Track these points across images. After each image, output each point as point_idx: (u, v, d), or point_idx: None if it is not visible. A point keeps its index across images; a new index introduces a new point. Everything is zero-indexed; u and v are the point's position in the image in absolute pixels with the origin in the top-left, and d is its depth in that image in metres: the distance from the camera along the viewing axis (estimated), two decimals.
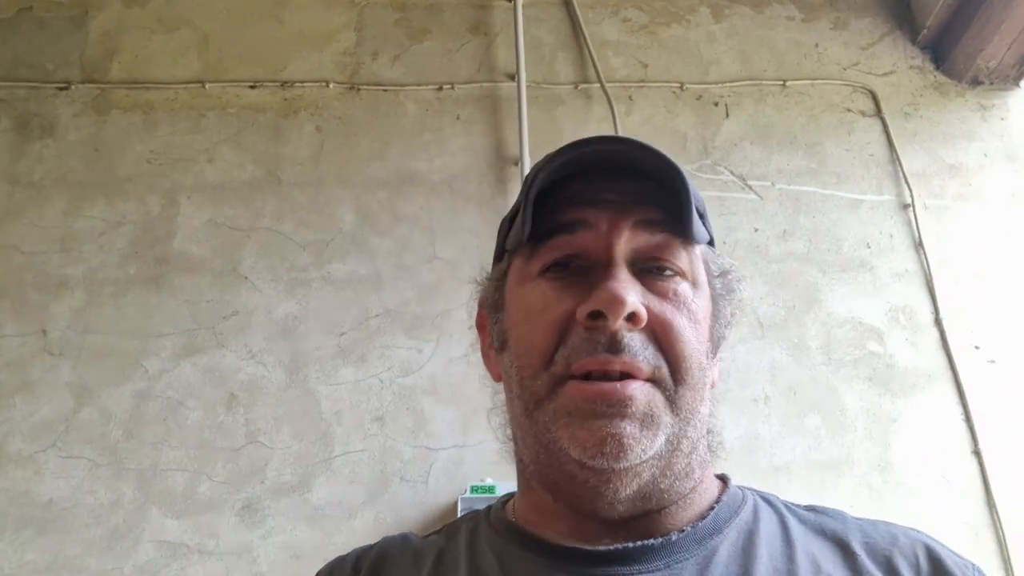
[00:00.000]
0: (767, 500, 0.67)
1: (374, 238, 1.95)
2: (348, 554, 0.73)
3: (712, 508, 0.63)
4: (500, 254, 0.72)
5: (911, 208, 2.05)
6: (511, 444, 0.70)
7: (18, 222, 1.95)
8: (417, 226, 1.96)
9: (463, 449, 1.74)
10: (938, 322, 1.93)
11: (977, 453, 1.78)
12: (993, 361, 1.89)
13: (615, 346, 0.57)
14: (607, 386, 0.57)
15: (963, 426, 1.82)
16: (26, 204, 1.97)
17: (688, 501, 0.62)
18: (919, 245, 2.01)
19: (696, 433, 0.61)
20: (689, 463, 0.62)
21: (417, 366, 1.82)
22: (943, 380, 1.87)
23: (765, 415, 1.82)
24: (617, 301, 0.57)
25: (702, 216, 0.64)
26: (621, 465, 0.57)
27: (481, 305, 0.73)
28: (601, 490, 0.59)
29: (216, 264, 1.91)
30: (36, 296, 1.87)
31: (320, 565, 1.74)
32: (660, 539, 0.60)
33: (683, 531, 0.60)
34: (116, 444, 1.73)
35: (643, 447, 0.57)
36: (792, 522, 0.64)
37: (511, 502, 0.69)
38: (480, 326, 0.74)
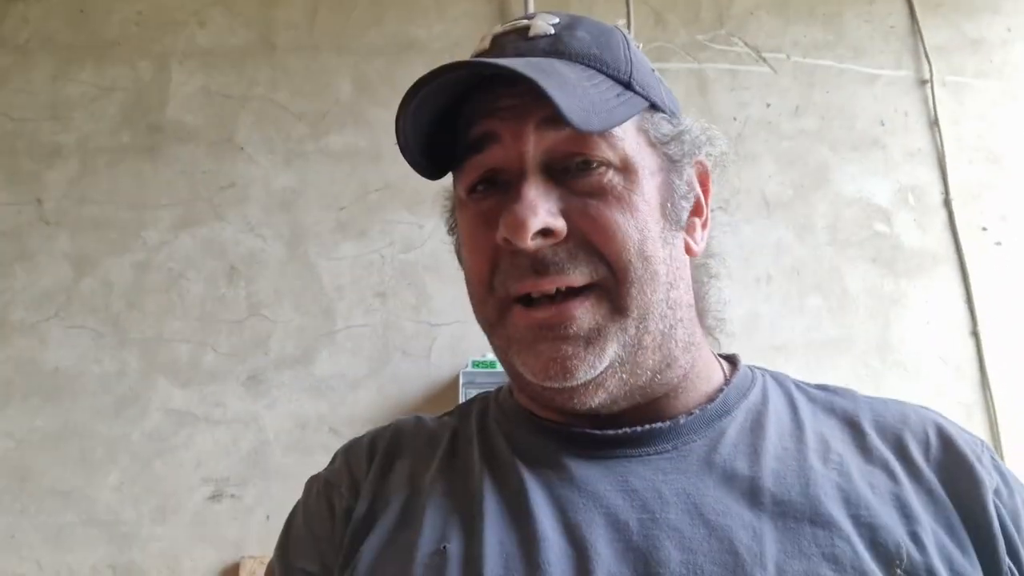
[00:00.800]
0: (777, 380, 0.66)
1: (373, 109, 1.89)
2: (363, 436, 0.73)
3: (721, 390, 0.62)
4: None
5: (929, 84, 1.98)
6: None
7: (5, 87, 1.88)
8: None
9: (465, 325, 1.75)
10: (947, 203, 1.90)
11: (975, 334, 1.80)
12: (999, 243, 1.88)
13: (538, 265, 0.56)
14: (543, 312, 0.56)
15: (964, 307, 1.83)
16: (12, 68, 1.89)
17: (684, 387, 0.61)
18: (934, 123, 1.96)
19: (665, 323, 0.59)
20: (665, 354, 0.59)
21: (419, 242, 1.80)
22: (948, 262, 1.86)
23: (766, 295, 1.82)
24: (518, 225, 0.54)
25: (626, 82, 0.59)
26: (572, 384, 0.56)
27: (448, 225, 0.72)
28: (570, 404, 0.59)
29: (210, 134, 1.86)
30: (29, 164, 1.83)
31: (325, 434, 1.79)
32: (667, 422, 0.59)
33: (691, 414, 0.60)
34: (118, 315, 1.74)
35: (589, 365, 0.56)
36: (802, 401, 0.63)
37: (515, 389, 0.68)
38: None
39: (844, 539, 0.51)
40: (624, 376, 0.58)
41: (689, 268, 0.63)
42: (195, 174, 1.83)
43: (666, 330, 0.59)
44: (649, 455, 0.59)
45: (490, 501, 0.59)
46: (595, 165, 0.57)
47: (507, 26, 0.63)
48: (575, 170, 0.57)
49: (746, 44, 2.00)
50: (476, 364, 1.66)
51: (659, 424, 0.59)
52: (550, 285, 0.56)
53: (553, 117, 0.54)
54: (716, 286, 0.67)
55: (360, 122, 1.87)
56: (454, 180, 0.65)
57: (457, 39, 1.94)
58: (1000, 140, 1.95)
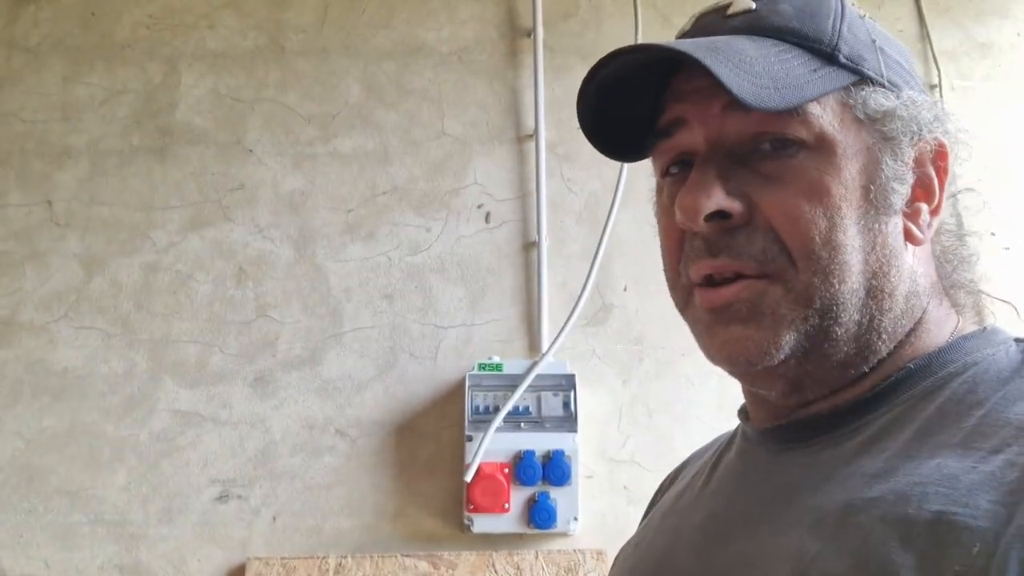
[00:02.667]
0: None
1: (381, 111, 1.90)
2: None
3: (888, 377, 0.56)
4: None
5: (938, 88, 1.98)
6: None
7: (16, 88, 1.89)
8: (425, 99, 1.90)
9: (471, 327, 1.75)
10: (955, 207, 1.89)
11: None
12: (1008, 248, 1.87)
13: (712, 247, 0.55)
14: (712, 293, 0.56)
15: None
16: (23, 70, 1.91)
17: (870, 374, 0.57)
18: None
19: (864, 313, 0.55)
20: (863, 345, 0.56)
21: (426, 244, 1.80)
22: None
23: None
24: (688, 207, 0.54)
25: (828, 55, 0.55)
26: (749, 369, 0.56)
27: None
28: (755, 390, 0.60)
29: (220, 136, 1.87)
30: (39, 165, 1.84)
31: (332, 435, 1.80)
32: (810, 414, 0.58)
33: (847, 403, 0.56)
34: (127, 315, 1.75)
35: (764, 348, 0.54)
36: None
37: None
38: None
39: (901, 537, 0.44)
40: (809, 367, 0.56)
41: (915, 253, 0.58)
42: (204, 176, 1.84)
43: (865, 321, 0.55)
44: (792, 448, 0.58)
45: (674, 503, 0.69)
46: (786, 145, 0.54)
47: (710, 5, 0.61)
48: (765, 152, 0.55)
49: None
50: (482, 367, 1.66)
51: (807, 417, 0.58)
52: (724, 268, 0.55)
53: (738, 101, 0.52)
54: (968, 264, 0.63)
55: (369, 124, 1.88)
56: (654, 169, 0.64)
57: (466, 42, 1.94)
58: (1007, 145, 1.95)
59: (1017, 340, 0.58)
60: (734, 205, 0.54)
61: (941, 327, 0.59)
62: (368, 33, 1.95)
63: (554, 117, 1.87)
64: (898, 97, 0.57)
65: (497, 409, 1.61)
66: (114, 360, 1.72)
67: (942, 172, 0.59)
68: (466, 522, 1.60)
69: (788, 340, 0.54)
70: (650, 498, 0.84)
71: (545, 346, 1.71)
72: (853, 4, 0.60)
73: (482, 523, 1.59)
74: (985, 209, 1.87)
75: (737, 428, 0.70)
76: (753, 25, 0.57)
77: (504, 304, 1.77)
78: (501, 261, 1.80)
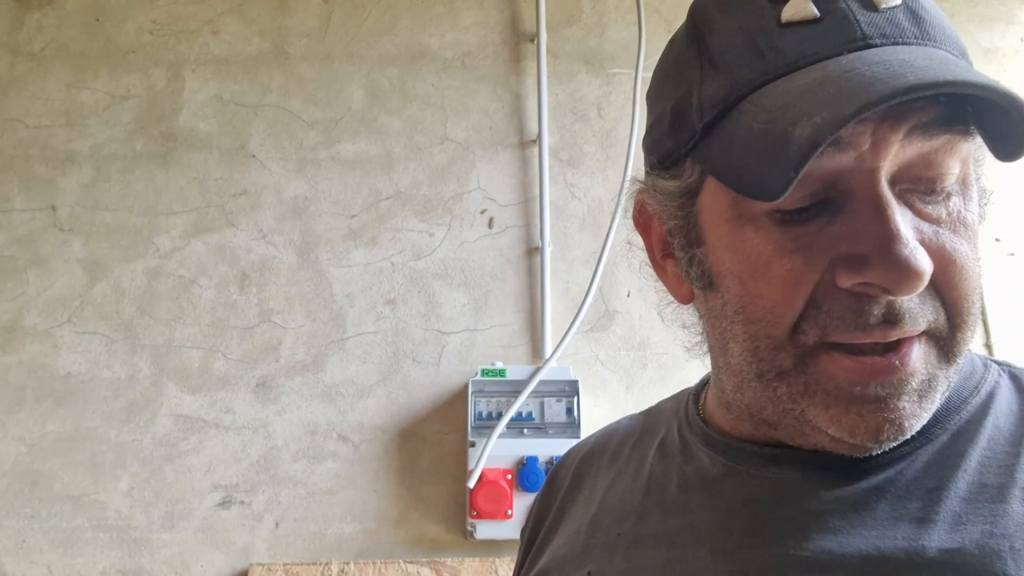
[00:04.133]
0: (1018, 380, 0.54)
1: (384, 117, 1.90)
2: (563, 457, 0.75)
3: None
4: (674, 156, 0.54)
5: None
6: (708, 360, 0.60)
7: (20, 94, 1.90)
8: (428, 105, 1.91)
9: (474, 333, 1.75)
10: None
11: (988, 346, 1.78)
12: (1013, 254, 1.87)
13: (893, 316, 0.45)
14: (882, 363, 0.45)
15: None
16: (27, 76, 1.91)
17: None
18: None
19: None
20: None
21: (428, 250, 1.80)
22: None
23: None
24: (912, 277, 0.43)
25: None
26: (893, 443, 0.48)
27: (640, 209, 0.61)
28: (844, 456, 0.50)
29: (223, 141, 1.87)
30: (43, 171, 1.85)
31: (335, 441, 1.80)
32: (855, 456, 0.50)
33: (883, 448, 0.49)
34: (130, 320, 1.75)
35: (920, 420, 0.47)
36: None
37: (705, 397, 0.64)
38: (643, 230, 0.62)
39: None
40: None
41: None
42: (207, 181, 1.85)
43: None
44: (812, 480, 0.51)
45: (636, 524, 0.58)
46: (945, 188, 0.47)
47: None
48: (922, 192, 0.47)
49: None
50: (485, 372, 1.66)
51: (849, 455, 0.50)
52: (898, 336, 0.46)
53: (928, 123, 0.44)
54: None
55: (372, 130, 1.88)
56: (710, 176, 0.52)
57: (469, 48, 1.95)
58: None
59: (993, 361, 0.56)
60: (931, 268, 0.45)
61: None
62: (371, 39, 1.95)
63: (557, 122, 1.87)
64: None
65: (500, 415, 1.61)
66: (117, 365, 1.72)
67: None
68: (469, 528, 1.59)
69: (935, 405, 0.48)
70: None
71: (548, 352, 1.70)
72: None
73: (485, 529, 1.58)
74: (990, 215, 1.87)
75: (675, 426, 0.64)
76: (924, 30, 0.48)
77: (507, 310, 1.77)
78: (504, 267, 1.79)
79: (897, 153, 0.45)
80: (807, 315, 0.47)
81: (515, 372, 1.66)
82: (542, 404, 1.63)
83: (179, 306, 1.76)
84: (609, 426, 0.74)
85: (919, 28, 0.47)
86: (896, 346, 0.46)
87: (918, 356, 0.46)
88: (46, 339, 1.74)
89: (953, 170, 0.47)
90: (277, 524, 1.64)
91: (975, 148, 0.48)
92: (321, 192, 1.84)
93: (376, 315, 1.76)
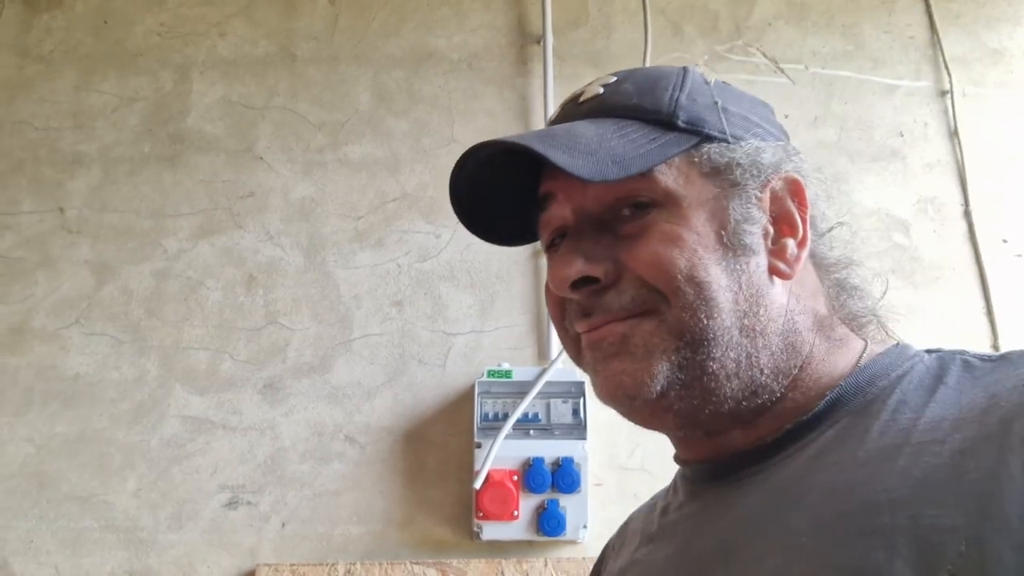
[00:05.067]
0: (942, 359, 0.58)
1: (391, 119, 1.90)
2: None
3: (824, 397, 0.59)
4: None
5: (949, 95, 1.97)
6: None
7: (29, 97, 1.91)
8: (435, 107, 1.91)
9: (480, 334, 1.75)
10: (967, 214, 1.88)
11: (996, 348, 1.78)
12: (1020, 255, 1.86)
13: (583, 310, 0.61)
14: (592, 334, 0.61)
15: (984, 320, 1.81)
16: (36, 78, 1.92)
17: (782, 407, 0.59)
18: (954, 134, 1.94)
19: (739, 351, 0.58)
20: (747, 382, 0.58)
21: (435, 251, 1.81)
22: (967, 273, 1.85)
23: None
24: (558, 279, 0.61)
25: (667, 122, 0.61)
26: (633, 404, 0.60)
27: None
28: (653, 428, 0.63)
29: (231, 144, 1.88)
30: (52, 173, 1.85)
31: (341, 442, 1.80)
32: (758, 443, 0.60)
33: (784, 428, 0.59)
34: (138, 322, 1.76)
35: (639, 379, 0.58)
36: (951, 382, 0.54)
37: None
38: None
39: (885, 547, 0.44)
40: (695, 402, 0.58)
41: (787, 289, 0.61)
42: (215, 183, 1.85)
43: (742, 358, 0.58)
44: (742, 477, 0.60)
45: (631, 554, 0.71)
46: (641, 207, 0.60)
47: (571, 94, 0.68)
48: (626, 217, 0.60)
49: (764, 55, 1.99)
50: (491, 373, 1.66)
51: (747, 448, 0.61)
52: (598, 323, 0.60)
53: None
54: (859, 293, 0.66)
55: (378, 132, 1.89)
56: (540, 240, 0.71)
57: (475, 50, 1.95)
58: (1021, 151, 1.94)
59: (927, 351, 0.61)
60: (596, 269, 0.59)
61: (839, 353, 0.62)
62: (378, 41, 1.96)
63: None
64: (741, 147, 0.62)
65: (506, 416, 1.61)
66: (125, 366, 1.73)
67: (802, 207, 0.63)
68: (475, 529, 1.60)
69: (661, 370, 0.57)
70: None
71: (554, 353, 1.70)
72: (701, 71, 0.67)
73: (491, 530, 1.58)
74: (997, 216, 1.86)
75: (676, 475, 0.73)
76: (597, 109, 0.64)
77: (513, 311, 1.77)
78: (510, 268, 1.80)
79: (585, 197, 0.62)
80: (566, 316, 0.65)
81: (521, 373, 1.66)
82: (548, 405, 1.63)
83: (186, 308, 1.77)
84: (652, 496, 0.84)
85: (593, 108, 0.64)
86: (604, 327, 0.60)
87: (627, 325, 0.58)
88: (54, 340, 1.74)
89: (638, 196, 0.60)
90: (284, 525, 1.65)
91: (689, 163, 0.60)
92: (328, 194, 1.84)
93: (382, 317, 1.77)
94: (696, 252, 0.57)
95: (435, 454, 1.68)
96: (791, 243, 0.62)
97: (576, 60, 1.93)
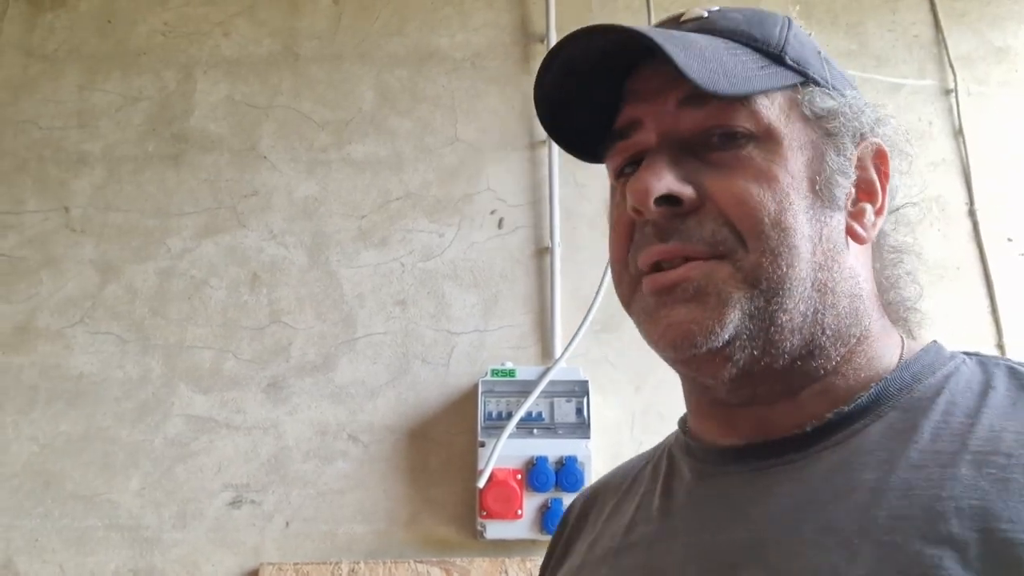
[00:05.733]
0: (984, 364, 0.57)
1: (394, 118, 1.90)
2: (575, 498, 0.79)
3: (871, 387, 0.56)
4: None
5: (953, 94, 1.97)
6: None
7: (33, 96, 1.91)
8: (438, 106, 1.91)
9: (484, 333, 1.75)
10: (971, 213, 1.88)
11: (1000, 347, 1.77)
12: None
13: (661, 234, 0.56)
14: (662, 276, 0.56)
15: (989, 319, 1.80)
16: (40, 77, 1.93)
17: (833, 382, 0.57)
18: (959, 133, 1.94)
19: (808, 305, 0.55)
20: (808, 339, 0.55)
21: (438, 250, 1.81)
22: (972, 272, 1.84)
23: None
24: (640, 190, 0.55)
25: (776, 55, 0.58)
26: (695, 352, 0.55)
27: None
28: (703, 379, 0.58)
29: (234, 143, 1.88)
30: (56, 172, 1.86)
31: (344, 441, 1.80)
32: (794, 431, 0.56)
33: (824, 419, 0.55)
34: (142, 321, 1.76)
35: (709, 329, 0.54)
36: (1000, 391, 0.53)
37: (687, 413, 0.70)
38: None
39: (956, 559, 0.43)
40: (755, 353, 0.55)
41: (858, 254, 0.60)
42: (219, 182, 1.85)
43: (809, 313, 0.55)
44: (773, 466, 0.56)
45: (625, 536, 0.63)
46: (736, 138, 0.56)
47: (669, 15, 0.64)
48: (715, 144, 0.56)
49: None
50: (495, 372, 1.66)
51: (785, 435, 0.56)
52: (673, 252, 0.55)
53: (694, 95, 0.55)
54: (909, 280, 0.64)
55: (382, 131, 1.89)
56: (608, 172, 0.66)
57: (479, 48, 1.95)
58: None
59: (966, 354, 0.60)
60: (685, 190, 0.55)
61: (887, 339, 0.60)
62: (381, 40, 1.96)
63: None
64: (842, 96, 0.60)
65: (510, 415, 1.61)
66: (129, 365, 1.73)
67: (883, 175, 0.62)
68: (479, 528, 1.60)
69: (732, 319, 0.54)
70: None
71: (558, 352, 1.70)
72: (801, 24, 0.64)
73: (495, 529, 1.58)
74: (1002, 215, 1.85)
75: (667, 448, 0.69)
76: (705, 28, 0.60)
77: (517, 310, 1.77)
78: (514, 267, 1.80)
79: (676, 121, 0.57)
80: (631, 249, 0.59)
81: (525, 372, 1.66)
82: (552, 404, 1.63)
83: (190, 307, 1.77)
84: (618, 466, 0.78)
85: (697, 28, 0.60)
86: (681, 266, 0.55)
87: (695, 268, 0.54)
88: (58, 339, 1.75)
89: (740, 122, 0.56)
90: (287, 524, 1.65)
91: (792, 103, 0.58)
92: (331, 193, 1.84)
93: (386, 316, 1.77)
94: (788, 196, 0.55)
95: (439, 453, 1.68)
96: (869, 208, 0.61)
97: None
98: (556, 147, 1.82)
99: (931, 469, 0.48)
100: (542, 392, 1.63)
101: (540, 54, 1.92)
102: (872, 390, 0.56)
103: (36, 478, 1.66)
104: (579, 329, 1.69)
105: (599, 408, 1.66)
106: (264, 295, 1.78)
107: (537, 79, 0.62)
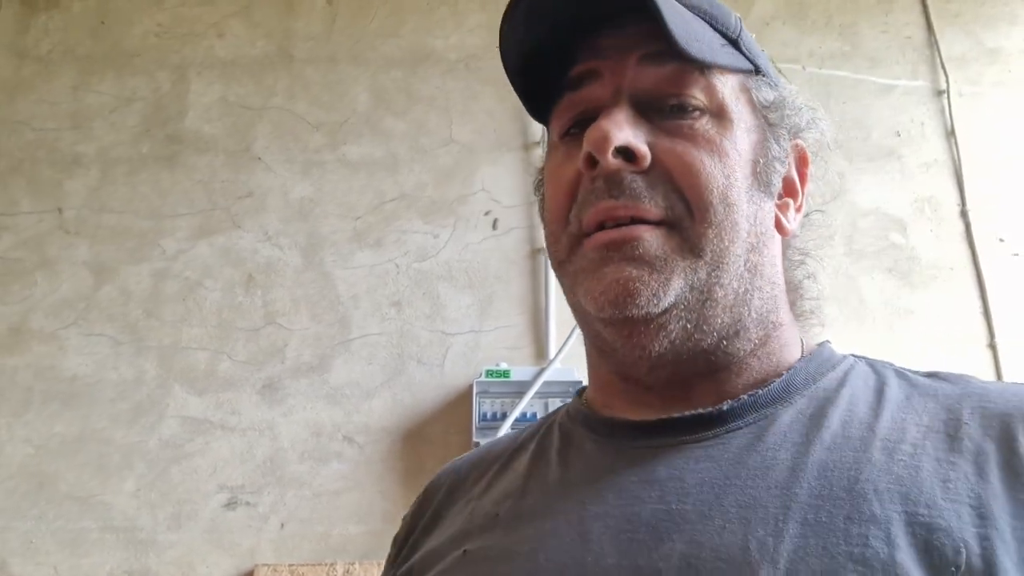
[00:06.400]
0: (874, 366, 0.60)
1: (389, 119, 1.90)
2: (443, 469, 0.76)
3: (781, 374, 0.57)
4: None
5: (945, 95, 1.98)
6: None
7: (27, 98, 1.91)
8: (433, 107, 1.91)
9: (478, 334, 1.76)
10: (964, 214, 1.89)
11: (992, 346, 1.78)
12: (1017, 254, 1.86)
13: (614, 189, 0.54)
14: (612, 232, 0.54)
15: (981, 319, 1.81)
16: (34, 79, 1.92)
17: (749, 364, 0.58)
18: (951, 134, 1.95)
19: (741, 283, 0.56)
20: (736, 318, 0.56)
21: (433, 251, 1.81)
22: (964, 272, 1.85)
23: None
24: (602, 137, 0.53)
25: (733, 40, 0.59)
26: (634, 313, 0.53)
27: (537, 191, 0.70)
28: (630, 348, 0.56)
29: (229, 144, 1.88)
30: (50, 174, 1.85)
31: (340, 442, 1.80)
32: (712, 408, 0.56)
33: (739, 399, 0.56)
34: (136, 322, 1.76)
35: (652, 292, 0.53)
36: (894, 387, 0.56)
37: (587, 388, 0.69)
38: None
39: (883, 539, 0.44)
40: (689, 326, 0.55)
41: (779, 245, 0.61)
42: (213, 184, 1.85)
43: (740, 292, 0.56)
44: (687, 443, 0.55)
45: (516, 502, 0.60)
46: (689, 109, 0.56)
47: None
48: (668, 111, 0.56)
49: None
50: (490, 373, 1.66)
51: (702, 410, 0.56)
52: (623, 211, 0.54)
53: (655, 54, 0.56)
54: (810, 283, 0.65)
55: (377, 132, 1.89)
56: (549, 130, 0.65)
57: (473, 50, 1.95)
58: (1018, 151, 1.94)
59: (854, 356, 0.62)
60: (642, 147, 0.54)
61: (793, 332, 0.62)
62: (376, 41, 1.96)
63: None
64: (784, 92, 0.62)
65: (505, 416, 1.62)
66: (123, 367, 1.73)
67: (803, 177, 0.64)
68: None
69: (676, 286, 0.54)
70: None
71: (552, 353, 1.71)
72: None
73: None
74: (994, 215, 1.86)
75: (553, 422, 0.67)
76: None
77: (511, 311, 1.77)
78: (508, 268, 1.80)
79: (633, 79, 0.56)
80: (571, 206, 0.57)
81: (519, 373, 1.66)
82: (547, 405, 1.64)
83: (185, 308, 1.77)
84: (488, 442, 0.76)
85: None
86: (632, 224, 0.54)
87: (648, 232, 0.54)
88: (53, 341, 1.74)
89: (696, 93, 0.56)
90: (283, 525, 1.65)
91: (742, 88, 0.59)
92: (326, 194, 1.84)
93: (381, 317, 1.77)
94: (735, 173, 0.56)
95: (434, 454, 1.68)
96: (791, 204, 0.62)
97: None
98: None
99: (845, 452, 0.50)
100: (537, 393, 1.63)
101: None
102: (783, 377, 0.57)
103: (30, 480, 1.66)
104: (573, 330, 1.70)
105: None
106: (259, 296, 1.78)
107: (505, 19, 0.62)
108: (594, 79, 0.58)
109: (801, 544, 0.46)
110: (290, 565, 1.60)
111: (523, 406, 1.62)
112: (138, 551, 1.63)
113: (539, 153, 1.85)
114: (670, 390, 0.58)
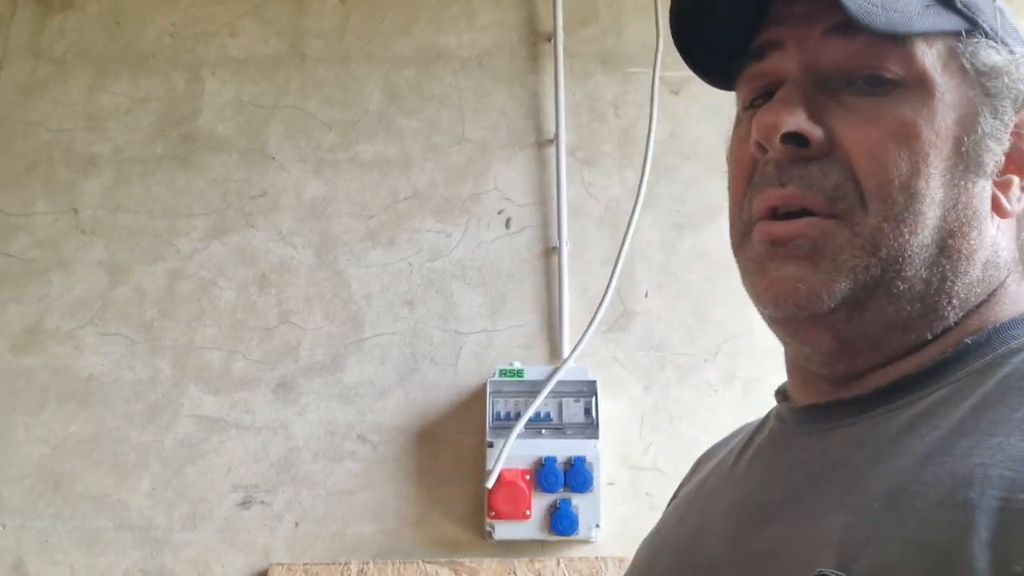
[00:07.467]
0: None
1: (401, 118, 1.90)
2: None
3: (945, 352, 0.52)
4: None
5: None
6: None
7: (43, 98, 1.92)
8: (446, 106, 1.91)
9: (492, 333, 1.75)
10: None
11: None
12: None
13: (783, 175, 0.51)
14: (774, 224, 0.52)
15: None
16: (49, 79, 1.93)
17: (928, 353, 0.53)
18: None
19: (934, 272, 0.51)
20: (930, 308, 0.52)
21: (446, 250, 1.80)
22: None
23: None
24: (766, 126, 0.51)
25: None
26: (797, 314, 0.52)
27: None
28: (798, 345, 0.55)
29: (242, 143, 1.88)
30: (65, 174, 1.86)
31: (353, 441, 1.81)
32: (854, 393, 0.53)
33: (890, 380, 0.52)
34: (151, 322, 1.76)
35: (817, 292, 0.50)
36: None
37: None
38: None
39: (963, 524, 0.40)
40: (863, 325, 0.52)
41: (1000, 227, 0.54)
42: (227, 183, 1.86)
43: (935, 280, 0.51)
44: (833, 428, 0.53)
45: (699, 487, 0.65)
46: (882, 82, 0.51)
47: None
48: (858, 87, 0.52)
49: None
50: (503, 372, 1.66)
51: (845, 395, 0.53)
52: (791, 199, 0.51)
53: (844, 25, 0.50)
54: None
55: (390, 131, 1.89)
56: (737, 101, 0.61)
57: (486, 48, 1.94)
58: None
59: None
60: (815, 131, 0.51)
61: (1016, 303, 0.55)
62: (389, 39, 1.95)
63: (575, 122, 1.87)
64: (1011, 54, 0.53)
65: (518, 415, 1.61)
66: (138, 367, 1.74)
67: None
68: (487, 529, 1.59)
69: (842, 288, 0.50)
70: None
71: (566, 352, 1.70)
72: None
73: (503, 530, 1.58)
74: None
75: (770, 412, 0.66)
76: None
77: (525, 310, 1.77)
78: (522, 267, 1.79)
79: (820, 49, 0.52)
80: (748, 191, 0.55)
81: (533, 372, 1.66)
82: (560, 404, 1.63)
83: (199, 307, 1.77)
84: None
85: None
86: (797, 218, 0.51)
87: (810, 225, 0.51)
88: (68, 341, 1.75)
89: (887, 67, 0.51)
90: (297, 524, 1.65)
91: (950, 54, 0.52)
92: (339, 193, 1.84)
93: (394, 316, 1.77)
94: (927, 157, 0.50)
95: (447, 453, 1.68)
96: (1016, 181, 0.55)
97: (587, 58, 1.92)
98: (564, 146, 1.83)
99: (975, 435, 0.44)
100: (550, 392, 1.62)
101: (547, 53, 1.92)
102: (948, 353, 0.52)
103: (46, 479, 1.67)
104: (587, 329, 1.69)
105: (608, 408, 1.66)
106: (273, 295, 1.78)
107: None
108: (776, 48, 0.55)
109: (875, 533, 0.43)
110: (304, 564, 1.60)
111: (537, 405, 1.61)
112: (153, 550, 1.63)
113: (552, 151, 1.84)
114: (844, 380, 0.55)
